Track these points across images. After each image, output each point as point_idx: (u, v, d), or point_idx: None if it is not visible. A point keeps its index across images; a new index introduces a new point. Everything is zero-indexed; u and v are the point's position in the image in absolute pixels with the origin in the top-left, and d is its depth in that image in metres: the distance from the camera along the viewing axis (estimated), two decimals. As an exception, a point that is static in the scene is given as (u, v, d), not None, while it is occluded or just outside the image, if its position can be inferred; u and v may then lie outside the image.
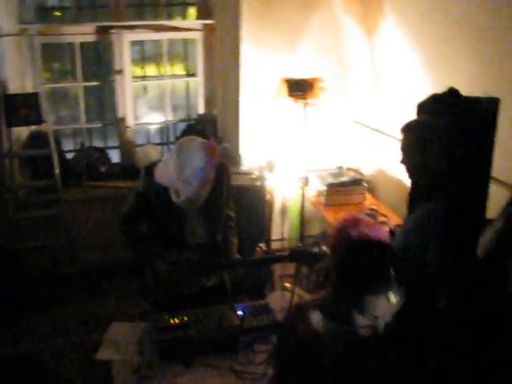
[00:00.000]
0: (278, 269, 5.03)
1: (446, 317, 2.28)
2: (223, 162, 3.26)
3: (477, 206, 3.12)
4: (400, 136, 2.97)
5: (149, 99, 6.59)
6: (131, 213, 3.17)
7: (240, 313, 2.90)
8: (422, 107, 3.24)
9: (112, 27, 5.57)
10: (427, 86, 3.87)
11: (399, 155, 2.94)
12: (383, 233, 1.90)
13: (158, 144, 6.31)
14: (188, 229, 3.14)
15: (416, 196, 3.11)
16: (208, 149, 2.84)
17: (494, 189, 3.30)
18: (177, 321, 2.79)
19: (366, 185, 5.07)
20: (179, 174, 2.80)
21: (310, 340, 1.82)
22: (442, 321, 2.21)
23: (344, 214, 1.98)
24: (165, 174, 2.92)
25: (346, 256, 1.81)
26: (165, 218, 3.09)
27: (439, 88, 3.23)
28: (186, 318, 2.80)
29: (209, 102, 6.17)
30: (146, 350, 2.63)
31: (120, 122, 5.91)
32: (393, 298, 1.69)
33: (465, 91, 3.27)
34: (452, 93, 3.22)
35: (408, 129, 2.92)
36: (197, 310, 2.89)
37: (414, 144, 2.87)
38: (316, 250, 2.96)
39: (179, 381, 2.51)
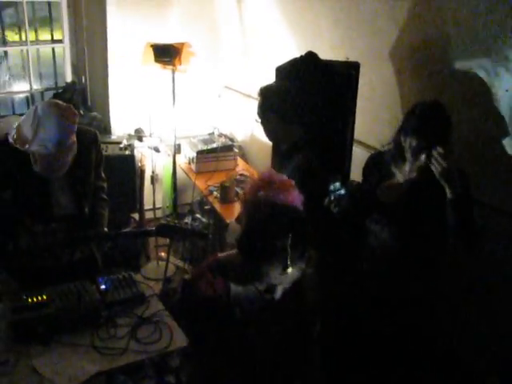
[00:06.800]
0: (152, 239, 4.96)
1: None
2: (92, 131, 3.17)
3: (337, 167, 3.20)
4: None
5: (12, 67, 6.18)
6: None
7: (103, 286, 2.82)
8: (280, 71, 3.26)
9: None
10: (293, 52, 3.89)
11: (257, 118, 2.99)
12: (294, 196, 1.75)
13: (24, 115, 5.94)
14: (53, 200, 3.01)
15: (277, 158, 3.14)
16: (65, 112, 2.74)
17: (356, 151, 3.40)
18: (34, 299, 2.64)
19: (237, 150, 5.07)
20: (34, 136, 2.69)
21: (217, 298, 1.81)
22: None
23: (262, 172, 1.83)
24: (20, 137, 2.78)
25: (250, 220, 1.72)
26: (28, 188, 2.94)
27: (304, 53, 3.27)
28: (44, 296, 2.67)
29: (77, 69, 5.90)
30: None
31: (-22, 92, 5.52)
32: (289, 269, 1.62)
33: (328, 56, 3.32)
34: (310, 57, 3.26)
35: (260, 92, 2.98)
36: (57, 287, 2.77)
37: (259, 108, 2.96)
38: (183, 224, 2.91)
39: (36, 362, 2.38)
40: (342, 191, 2.50)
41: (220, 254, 1.96)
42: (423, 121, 2.44)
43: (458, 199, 2.34)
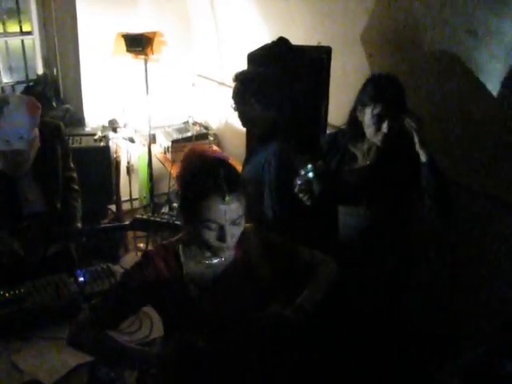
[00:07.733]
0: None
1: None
2: (55, 123, 3.09)
3: (312, 152, 3.21)
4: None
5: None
6: None
7: (81, 279, 2.81)
8: (252, 57, 3.26)
9: None
10: (265, 38, 3.88)
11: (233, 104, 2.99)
12: (220, 153, 1.91)
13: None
14: (21, 197, 2.94)
15: (252, 144, 3.14)
16: (28, 106, 2.67)
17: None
18: (12, 293, 2.62)
19: (212, 138, 5.07)
20: None
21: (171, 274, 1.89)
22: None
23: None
24: None
25: (184, 174, 1.81)
26: None
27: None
28: (21, 290, 2.65)
29: (48, 61, 5.83)
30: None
31: None
32: (227, 197, 1.69)
33: (300, 42, 3.33)
34: (282, 42, 3.26)
35: (235, 78, 2.96)
36: (34, 281, 2.75)
37: (236, 94, 2.93)
38: (158, 218, 2.87)
39: (17, 358, 2.37)
40: (310, 174, 2.52)
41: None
42: (379, 88, 2.48)
43: (433, 161, 2.39)
